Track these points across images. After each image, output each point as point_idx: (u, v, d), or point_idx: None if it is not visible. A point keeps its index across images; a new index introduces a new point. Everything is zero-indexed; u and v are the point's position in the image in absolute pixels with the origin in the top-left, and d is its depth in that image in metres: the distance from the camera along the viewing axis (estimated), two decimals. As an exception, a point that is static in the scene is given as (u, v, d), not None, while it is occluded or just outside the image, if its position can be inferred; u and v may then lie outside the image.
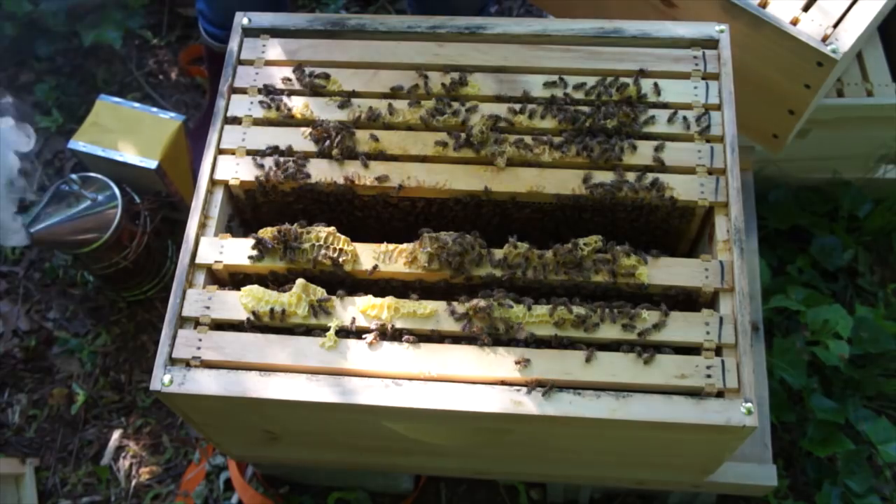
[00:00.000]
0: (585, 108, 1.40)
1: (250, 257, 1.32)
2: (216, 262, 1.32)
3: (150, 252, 1.97)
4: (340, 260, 1.30)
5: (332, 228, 1.32)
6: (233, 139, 1.41)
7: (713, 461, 1.41)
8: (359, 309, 1.27)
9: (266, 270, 1.33)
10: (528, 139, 1.37)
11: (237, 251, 1.33)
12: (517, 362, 1.22)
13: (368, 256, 1.31)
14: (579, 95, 1.42)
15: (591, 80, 1.43)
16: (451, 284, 1.31)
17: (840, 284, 1.99)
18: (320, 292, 1.28)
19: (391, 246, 1.31)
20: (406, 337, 1.25)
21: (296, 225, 1.33)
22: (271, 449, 1.53)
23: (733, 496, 1.74)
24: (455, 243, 1.28)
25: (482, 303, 1.25)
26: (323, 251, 1.31)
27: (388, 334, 1.26)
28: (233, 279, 1.36)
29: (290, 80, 1.46)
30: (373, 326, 1.26)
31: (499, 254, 1.30)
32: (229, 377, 1.23)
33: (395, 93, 1.43)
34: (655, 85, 1.41)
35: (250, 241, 1.33)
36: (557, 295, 1.29)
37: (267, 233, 1.33)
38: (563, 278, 1.28)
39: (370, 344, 1.24)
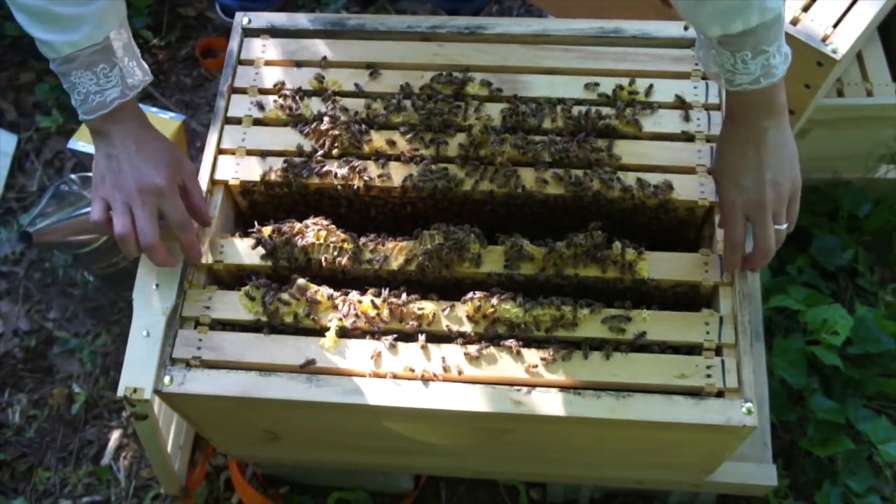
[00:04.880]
0: (585, 108, 1.40)
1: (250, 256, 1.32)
2: (216, 261, 1.32)
3: (150, 252, 1.97)
4: (340, 258, 1.30)
5: (331, 227, 1.32)
6: (233, 139, 1.41)
7: (713, 461, 1.41)
8: (359, 309, 1.27)
9: (266, 269, 1.33)
10: (528, 138, 1.37)
11: (237, 250, 1.33)
12: (512, 362, 1.22)
13: (367, 254, 1.31)
14: (579, 95, 1.42)
15: (590, 81, 1.43)
16: (450, 281, 1.31)
17: (840, 284, 1.99)
18: (320, 292, 1.28)
19: (390, 243, 1.32)
20: (402, 337, 1.25)
21: (295, 223, 1.33)
22: (271, 449, 1.53)
23: (733, 496, 1.74)
24: (454, 240, 1.28)
25: (482, 303, 1.25)
26: (322, 249, 1.31)
27: (389, 334, 1.26)
28: (233, 278, 1.36)
29: (289, 80, 1.46)
30: (373, 326, 1.26)
31: (498, 250, 1.30)
32: (229, 377, 1.23)
33: (394, 93, 1.43)
34: (655, 85, 1.41)
35: (250, 241, 1.33)
36: (557, 291, 1.29)
37: (267, 231, 1.33)
38: (564, 273, 1.28)
39: (371, 347, 1.24)
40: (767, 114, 1.18)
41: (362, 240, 1.32)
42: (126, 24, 1.23)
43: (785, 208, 1.21)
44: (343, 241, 1.31)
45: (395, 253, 1.31)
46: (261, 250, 1.32)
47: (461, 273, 1.30)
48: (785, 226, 1.22)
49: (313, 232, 1.31)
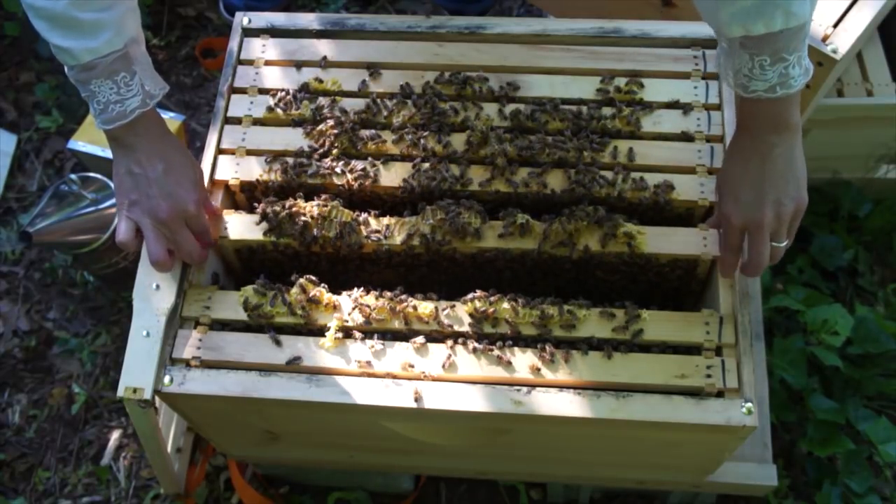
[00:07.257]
0: (585, 108, 1.40)
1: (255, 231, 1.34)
2: (221, 237, 1.33)
3: (150, 252, 1.97)
4: (344, 232, 1.31)
5: (336, 202, 1.32)
6: (233, 139, 1.41)
7: (713, 461, 1.41)
8: (358, 309, 1.27)
9: (269, 244, 1.34)
10: (528, 138, 1.37)
11: (241, 227, 1.34)
12: (512, 362, 1.22)
13: (371, 227, 1.32)
14: (580, 95, 1.42)
15: (591, 81, 1.43)
16: (452, 259, 1.32)
17: (840, 284, 1.99)
18: (321, 292, 1.28)
19: (394, 219, 1.33)
20: (402, 336, 1.25)
21: (300, 200, 1.33)
22: (271, 449, 1.53)
23: (733, 496, 1.74)
24: (455, 214, 1.29)
25: (482, 303, 1.25)
26: (326, 223, 1.31)
27: (388, 334, 1.26)
28: (239, 256, 1.36)
29: (289, 80, 1.46)
30: (372, 326, 1.26)
31: (498, 225, 1.31)
32: (229, 377, 1.23)
33: (395, 92, 1.43)
34: (655, 85, 1.41)
35: (255, 217, 1.34)
36: (556, 269, 1.29)
37: (271, 205, 1.33)
38: (560, 249, 1.29)
39: (371, 347, 1.25)
40: (778, 128, 1.13)
41: (364, 215, 1.33)
42: (142, 33, 1.22)
43: (786, 228, 1.17)
44: (347, 215, 1.32)
45: (399, 228, 1.31)
46: (265, 225, 1.33)
47: (462, 248, 1.30)
48: (784, 243, 1.19)
49: (318, 207, 1.32)
